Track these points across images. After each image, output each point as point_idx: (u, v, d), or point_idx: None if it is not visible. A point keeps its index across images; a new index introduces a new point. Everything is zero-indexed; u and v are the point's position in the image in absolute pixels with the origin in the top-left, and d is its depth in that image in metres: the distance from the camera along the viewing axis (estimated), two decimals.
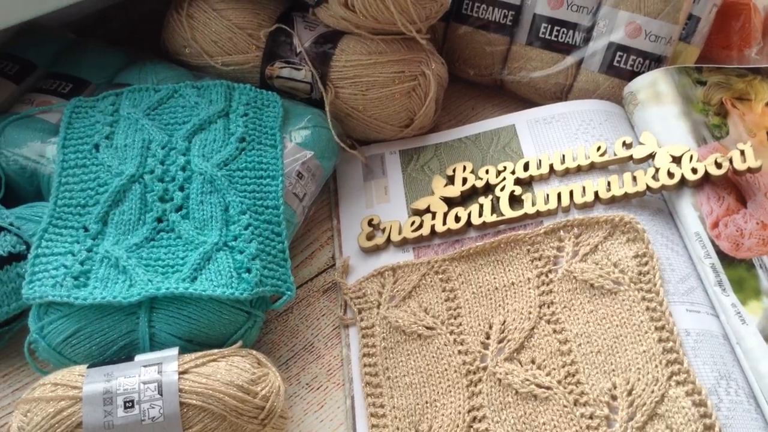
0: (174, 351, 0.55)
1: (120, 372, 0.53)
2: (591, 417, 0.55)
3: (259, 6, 0.77)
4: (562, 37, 0.81)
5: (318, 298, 0.68)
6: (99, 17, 0.88)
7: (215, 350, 0.56)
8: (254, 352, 0.57)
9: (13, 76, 0.76)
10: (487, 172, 0.73)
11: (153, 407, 0.51)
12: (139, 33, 0.87)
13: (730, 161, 0.67)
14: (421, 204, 0.72)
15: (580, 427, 0.55)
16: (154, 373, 0.53)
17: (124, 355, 0.57)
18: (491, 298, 0.64)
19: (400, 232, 0.70)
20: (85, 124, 0.69)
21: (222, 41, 0.76)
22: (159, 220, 0.63)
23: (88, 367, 0.54)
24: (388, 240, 0.70)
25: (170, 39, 0.79)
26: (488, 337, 0.62)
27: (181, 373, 0.53)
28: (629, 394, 0.56)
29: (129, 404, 0.51)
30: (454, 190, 0.72)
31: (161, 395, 0.52)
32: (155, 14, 0.83)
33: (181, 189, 0.65)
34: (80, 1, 0.72)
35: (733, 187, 0.67)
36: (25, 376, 0.62)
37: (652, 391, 0.55)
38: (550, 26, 0.81)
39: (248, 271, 0.60)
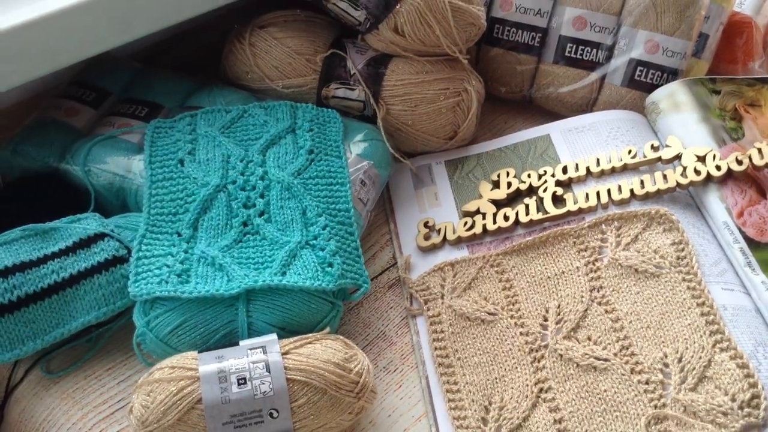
0: (273, 336, 0.61)
1: (230, 354, 0.59)
2: (647, 383, 0.62)
3: (313, 34, 0.85)
4: (586, 55, 0.89)
5: (384, 293, 0.75)
6: (159, 48, 0.95)
7: (309, 335, 0.62)
8: (341, 336, 0.63)
9: (91, 102, 0.83)
10: (529, 176, 0.80)
11: (263, 383, 0.58)
12: (193, 62, 0.95)
13: (750, 158, 0.75)
14: (471, 206, 0.79)
15: (639, 392, 0.62)
16: (260, 354, 0.59)
17: (226, 342, 0.63)
18: (545, 286, 0.71)
19: (454, 232, 0.77)
20: (167, 142, 0.76)
21: (282, 66, 0.84)
22: (244, 224, 0.70)
23: (198, 352, 0.60)
24: (444, 239, 0.77)
25: (232, 66, 0.86)
26: (546, 320, 0.68)
27: (283, 354, 0.60)
28: (680, 361, 0.63)
29: (242, 381, 0.58)
30: (501, 193, 0.80)
31: (269, 372, 0.58)
32: (208, 46, 0.92)
33: (262, 196, 0.71)
34: (150, 34, 0.79)
35: (753, 181, 0.75)
36: (127, 369, 0.68)
37: (700, 357, 0.62)
38: (574, 46, 0.89)
39: (330, 265, 0.66)
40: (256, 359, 0.59)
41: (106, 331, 0.69)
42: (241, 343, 0.61)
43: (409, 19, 0.79)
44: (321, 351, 0.61)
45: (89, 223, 0.68)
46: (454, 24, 0.80)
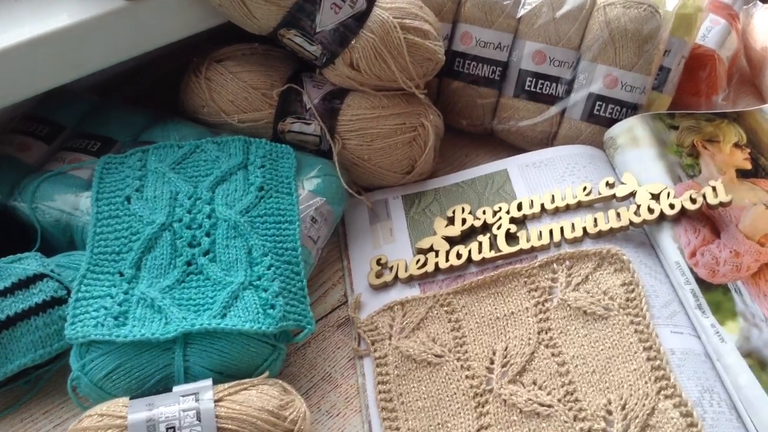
0: (208, 382, 0.60)
1: (160, 401, 0.58)
2: (589, 431, 0.61)
3: (271, 68, 0.85)
4: (546, 89, 0.89)
5: (333, 332, 0.74)
6: (116, 81, 0.95)
7: (246, 380, 0.61)
8: (280, 381, 0.62)
9: (44, 137, 0.82)
10: (484, 212, 0.79)
11: None
12: (149, 95, 0.95)
13: (704, 197, 0.74)
14: (424, 243, 0.78)
15: None
16: (192, 402, 0.58)
17: (162, 387, 0.62)
18: (493, 327, 0.70)
19: (406, 270, 0.76)
20: (116, 178, 0.75)
21: (238, 101, 0.83)
22: (188, 263, 0.69)
23: (130, 399, 0.59)
24: (396, 277, 0.76)
25: (188, 100, 0.86)
26: (492, 362, 0.67)
27: (216, 401, 0.58)
28: (623, 408, 0.61)
29: (171, 430, 0.56)
30: (455, 230, 0.79)
31: (200, 421, 0.57)
32: (165, 78, 0.91)
33: (208, 235, 0.71)
34: (106, 67, 0.79)
35: (707, 220, 0.74)
36: (64, 413, 0.67)
37: (644, 405, 0.61)
38: (534, 80, 0.89)
39: (272, 307, 0.66)
40: (187, 407, 0.58)
41: (45, 372, 0.68)
42: (175, 389, 0.60)
43: (365, 55, 0.79)
44: (256, 398, 0.59)
45: (29, 263, 0.67)
46: (409, 59, 0.80)
